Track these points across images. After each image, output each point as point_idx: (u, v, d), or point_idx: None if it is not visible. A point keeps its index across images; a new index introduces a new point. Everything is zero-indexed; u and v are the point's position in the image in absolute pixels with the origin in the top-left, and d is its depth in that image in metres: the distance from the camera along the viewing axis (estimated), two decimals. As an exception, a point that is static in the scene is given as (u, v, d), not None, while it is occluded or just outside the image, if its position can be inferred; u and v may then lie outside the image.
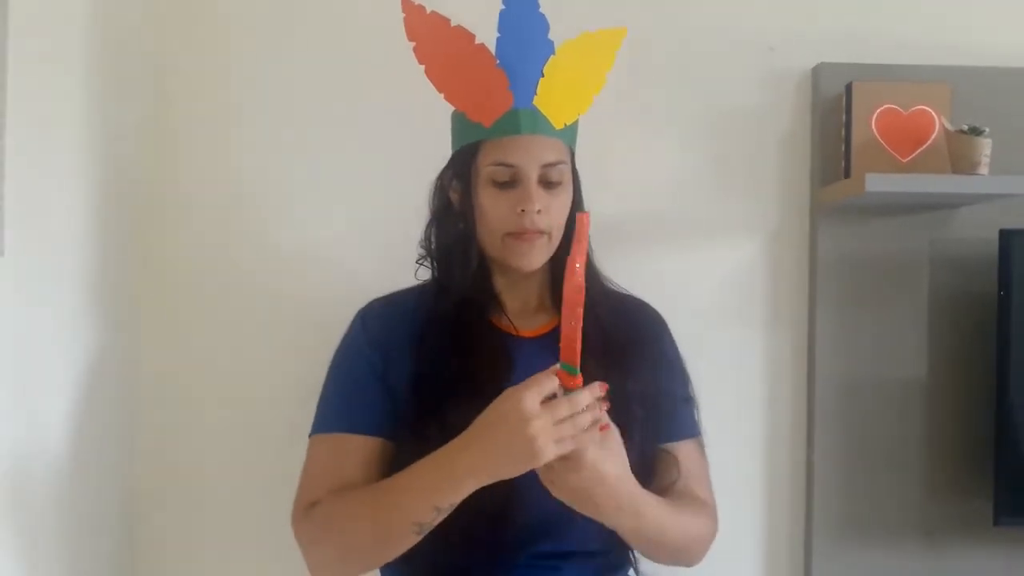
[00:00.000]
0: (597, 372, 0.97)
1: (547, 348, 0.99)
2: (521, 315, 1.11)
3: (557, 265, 1.07)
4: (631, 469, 0.97)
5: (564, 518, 0.97)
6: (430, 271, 1.15)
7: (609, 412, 0.95)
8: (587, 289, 0.94)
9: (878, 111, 1.40)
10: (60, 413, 1.18)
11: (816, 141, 1.47)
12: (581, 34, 1.08)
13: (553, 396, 0.89)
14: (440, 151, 1.12)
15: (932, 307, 1.46)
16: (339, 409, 1.07)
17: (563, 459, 0.89)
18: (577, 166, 1.13)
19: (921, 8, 1.49)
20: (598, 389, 0.90)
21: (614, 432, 0.94)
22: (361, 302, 1.14)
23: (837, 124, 1.44)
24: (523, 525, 1.01)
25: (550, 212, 1.04)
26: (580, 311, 0.89)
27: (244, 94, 1.43)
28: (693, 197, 1.47)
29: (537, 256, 1.06)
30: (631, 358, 1.08)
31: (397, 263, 1.17)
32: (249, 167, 1.43)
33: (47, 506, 1.15)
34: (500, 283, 1.11)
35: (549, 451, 0.87)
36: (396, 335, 1.07)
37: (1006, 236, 1.36)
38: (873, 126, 1.40)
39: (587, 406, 0.89)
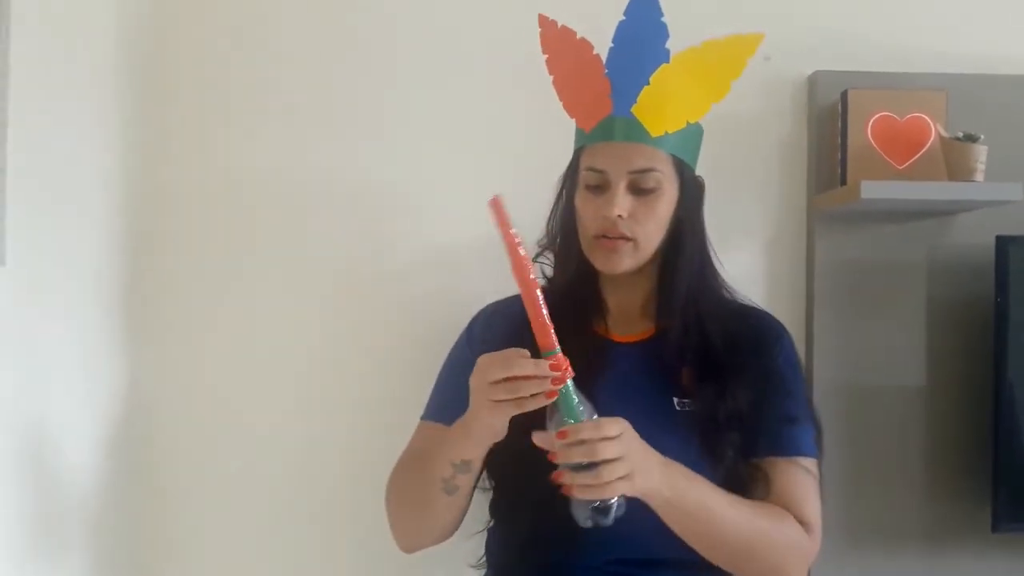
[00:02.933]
0: (695, 385, 1.03)
1: (643, 354, 1.05)
2: (622, 320, 1.13)
3: (663, 273, 1.10)
4: (722, 486, 1.00)
5: (645, 523, 0.96)
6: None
7: (702, 427, 1.00)
8: (697, 301, 1.03)
9: (874, 118, 1.40)
10: (63, 424, 1.19)
11: (813, 148, 1.48)
12: (705, 42, 1.07)
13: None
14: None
15: (930, 314, 1.47)
16: (435, 401, 1.17)
17: (617, 439, 0.89)
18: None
19: (916, 16, 1.50)
20: (544, 364, 0.89)
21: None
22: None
23: (833, 131, 1.45)
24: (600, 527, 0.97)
25: (637, 218, 1.06)
26: (535, 293, 0.90)
27: (260, 98, 1.45)
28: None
29: (620, 261, 1.07)
30: (734, 373, 1.07)
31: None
32: (251, 168, 1.45)
33: (60, 512, 1.17)
34: (604, 287, 1.14)
35: (486, 411, 0.91)
36: (498, 335, 1.09)
37: (1002, 242, 1.37)
38: (869, 133, 1.40)
39: (535, 378, 0.88)
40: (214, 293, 1.44)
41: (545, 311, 0.90)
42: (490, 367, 0.91)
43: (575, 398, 0.91)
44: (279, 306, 1.45)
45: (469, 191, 1.43)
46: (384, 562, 1.40)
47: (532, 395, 0.89)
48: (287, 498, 1.44)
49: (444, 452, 1.01)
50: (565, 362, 0.90)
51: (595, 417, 0.92)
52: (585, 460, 0.89)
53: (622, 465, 0.89)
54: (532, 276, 0.91)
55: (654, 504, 0.96)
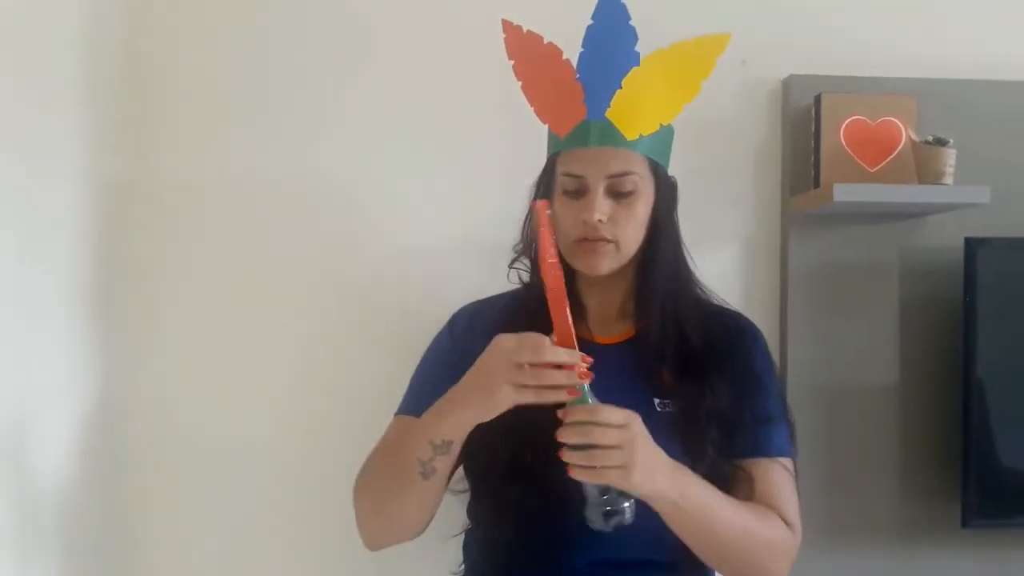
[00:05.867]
0: (675, 385, 1.03)
1: (623, 356, 1.05)
2: (602, 321, 1.14)
3: (640, 274, 1.11)
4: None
5: (629, 526, 0.96)
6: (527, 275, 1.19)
7: (683, 427, 1.00)
8: (674, 301, 1.04)
9: (846, 122, 1.42)
10: (36, 423, 1.18)
11: (787, 151, 1.50)
12: (673, 44, 1.08)
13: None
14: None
15: (901, 314, 1.49)
16: (411, 396, 1.15)
17: (622, 429, 0.90)
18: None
19: (888, 21, 1.52)
20: (578, 355, 0.92)
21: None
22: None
23: (807, 135, 1.47)
24: (582, 529, 0.98)
25: (616, 221, 1.06)
26: (562, 296, 0.94)
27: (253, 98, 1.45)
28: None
29: (602, 262, 1.08)
30: (713, 373, 1.08)
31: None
32: (227, 168, 1.45)
33: (43, 509, 1.17)
34: (583, 289, 1.14)
35: (505, 392, 0.91)
36: (478, 332, 1.11)
37: (971, 244, 1.39)
38: (841, 136, 1.42)
39: (564, 368, 0.91)
40: (190, 293, 1.44)
41: (569, 318, 0.94)
42: (519, 348, 0.91)
43: (592, 399, 0.93)
44: (255, 305, 1.44)
45: (443, 193, 1.46)
46: (363, 567, 1.41)
47: (555, 387, 0.91)
48: (263, 498, 1.44)
49: (423, 432, 1.00)
50: (589, 361, 0.93)
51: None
52: (580, 441, 0.91)
53: (618, 455, 0.90)
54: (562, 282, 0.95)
55: (659, 507, 0.97)
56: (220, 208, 1.44)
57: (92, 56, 1.30)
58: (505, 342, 0.93)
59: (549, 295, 0.94)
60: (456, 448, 1.00)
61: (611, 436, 0.91)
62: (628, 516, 0.94)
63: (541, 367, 0.91)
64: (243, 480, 1.44)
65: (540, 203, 0.98)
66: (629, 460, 0.91)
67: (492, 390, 0.92)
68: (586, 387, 0.93)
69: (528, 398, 0.91)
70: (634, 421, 0.93)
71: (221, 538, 1.44)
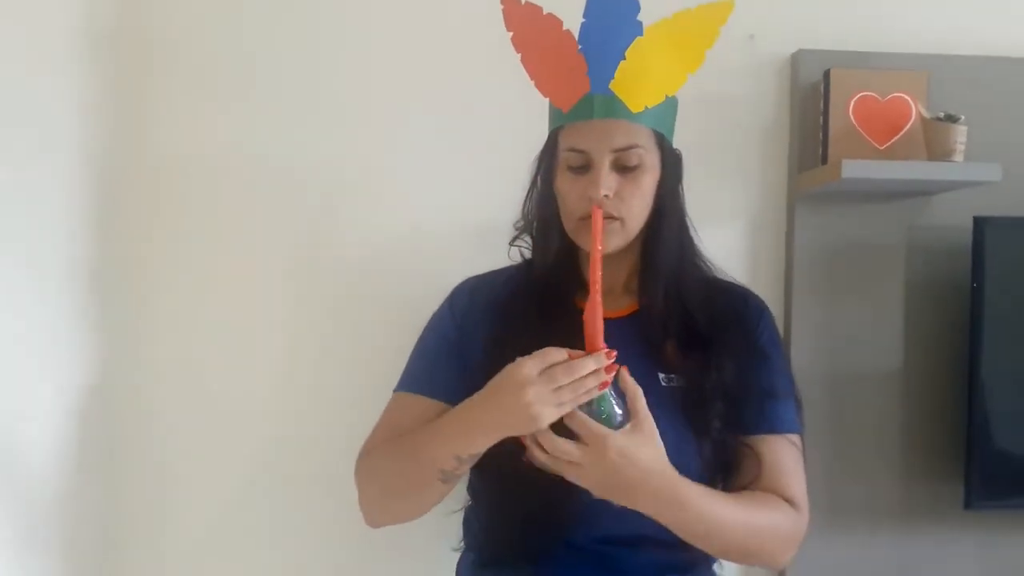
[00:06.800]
0: (679, 360, 1.03)
1: (627, 330, 1.05)
2: (606, 297, 1.10)
3: (646, 249, 1.10)
4: (709, 461, 1.01)
5: None
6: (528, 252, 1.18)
7: (688, 401, 1.00)
8: (678, 276, 1.06)
9: (855, 98, 1.40)
10: (24, 414, 1.17)
11: (795, 127, 1.48)
12: (676, 12, 1.05)
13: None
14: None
15: (908, 295, 1.48)
16: (411, 372, 1.15)
17: (583, 447, 0.92)
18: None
19: (898, -4, 1.50)
20: (603, 356, 0.93)
21: (648, 419, 0.94)
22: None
23: (816, 111, 1.45)
24: (580, 505, 0.99)
25: (623, 196, 1.05)
26: (598, 298, 0.95)
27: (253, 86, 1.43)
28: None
29: (609, 241, 1.05)
30: (718, 348, 1.07)
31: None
32: (218, 153, 1.43)
33: (36, 503, 1.17)
34: (585, 265, 1.11)
35: (547, 415, 0.91)
36: (479, 307, 1.11)
37: (980, 223, 1.38)
38: (850, 113, 1.40)
39: (592, 372, 0.92)
40: (179, 279, 1.42)
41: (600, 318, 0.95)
42: (553, 375, 0.91)
43: (613, 398, 0.95)
44: (249, 289, 1.43)
45: (439, 172, 1.44)
46: (361, 547, 1.41)
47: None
48: (255, 484, 1.43)
49: (449, 445, 0.98)
50: (614, 355, 0.94)
51: (622, 419, 0.95)
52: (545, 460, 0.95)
53: (575, 470, 0.94)
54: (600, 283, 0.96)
55: (654, 514, 0.98)
56: (213, 191, 1.42)
57: (87, 33, 1.28)
58: (529, 371, 0.92)
59: (587, 330, 0.95)
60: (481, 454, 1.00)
61: (574, 455, 0.93)
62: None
63: (576, 382, 0.92)
64: (237, 470, 1.43)
65: (595, 208, 1.00)
66: (591, 480, 0.93)
67: (536, 419, 0.92)
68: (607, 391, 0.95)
69: (567, 410, 0.93)
70: (604, 442, 0.92)
71: (216, 530, 1.43)
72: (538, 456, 0.95)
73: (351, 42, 1.44)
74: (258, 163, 1.43)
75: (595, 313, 0.95)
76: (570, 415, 0.93)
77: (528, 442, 0.95)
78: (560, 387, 0.91)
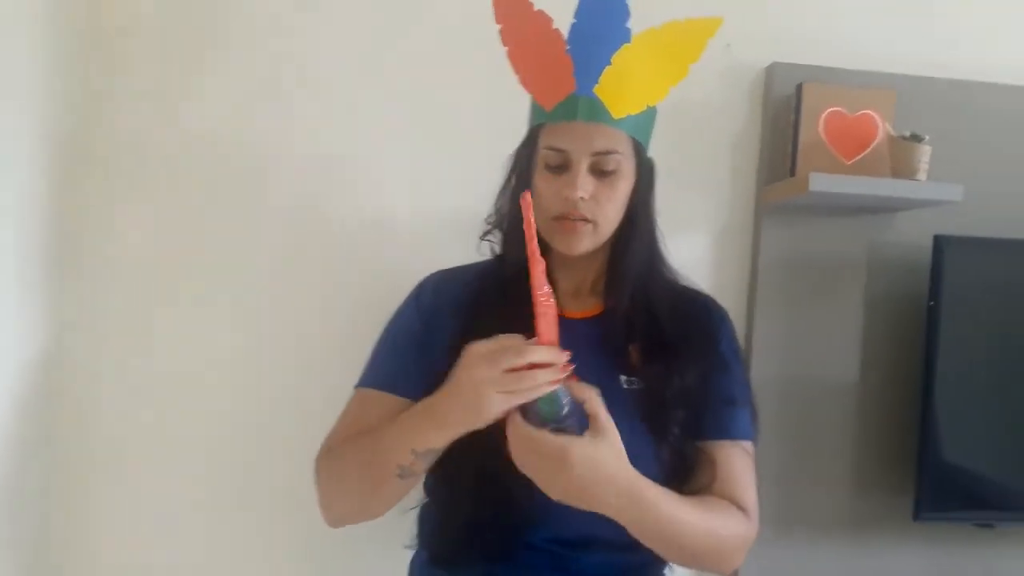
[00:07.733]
0: (641, 363, 1.02)
1: (591, 331, 1.04)
2: (573, 297, 1.12)
3: (615, 253, 1.09)
4: (666, 465, 1.01)
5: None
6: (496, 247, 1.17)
7: (648, 405, 0.99)
8: (645, 281, 1.04)
9: (826, 113, 1.42)
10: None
11: (766, 139, 1.50)
12: (665, 23, 1.05)
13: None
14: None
15: (867, 309, 1.50)
16: (375, 368, 1.13)
17: (547, 458, 0.90)
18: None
19: (873, 17, 1.53)
20: (558, 352, 0.91)
21: (609, 423, 0.93)
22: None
23: (787, 123, 1.47)
24: (535, 506, 0.97)
25: (598, 200, 1.04)
26: (547, 289, 0.93)
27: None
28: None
29: (579, 242, 1.05)
30: (680, 353, 1.07)
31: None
32: (192, 133, 1.40)
33: None
34: (556, 264, 1.11)
35: (494, 401, 0.90)
36: (445, 303, 1.09)
37: (940, 242, 1.40)
38: (820, 127, 1.43)
39: (547, 366, 0.90)
40: (134, 262, 1.40)
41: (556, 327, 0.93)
42: (502, 355, 0.89)
43: (564, 397, 0.92)
44: (201, 275, 1.42)
45: (414, 163, 1.43)
46: (317, 540, 1.39)
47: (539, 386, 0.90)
48: (213, 464, 1.41)
49: (404, 439, 0.97)
50: (568, 354, 0.92)
51: (570, 423, 0.92)
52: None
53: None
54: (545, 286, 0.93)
55: (613, 513, 0.96)
56: (173, 175, 1.40)
57: (46, 16, 1.25)
58: (481, 349, 0.91)
59: (537, 309, 0.93)
60: (440, 451, 0.98)
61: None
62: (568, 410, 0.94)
63: (522, 369, 0.90)
64: (198, 448, 1.41)
65: (525, 200, 0.94)
66: (556, 490, 0.92)
67: (480, 402, 0.90)
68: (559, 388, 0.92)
69: (516, 402, 0.90)
70: (566, 454, 0.91)
71: (172, 507, 1.41)
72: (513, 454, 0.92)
73: (324, 28, 1.42)
74: (221, 148, 1.40)
75: (547, 308, 0.93)
76: (526, 436, 0.91)
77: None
78: (509, 372, 0.89)
